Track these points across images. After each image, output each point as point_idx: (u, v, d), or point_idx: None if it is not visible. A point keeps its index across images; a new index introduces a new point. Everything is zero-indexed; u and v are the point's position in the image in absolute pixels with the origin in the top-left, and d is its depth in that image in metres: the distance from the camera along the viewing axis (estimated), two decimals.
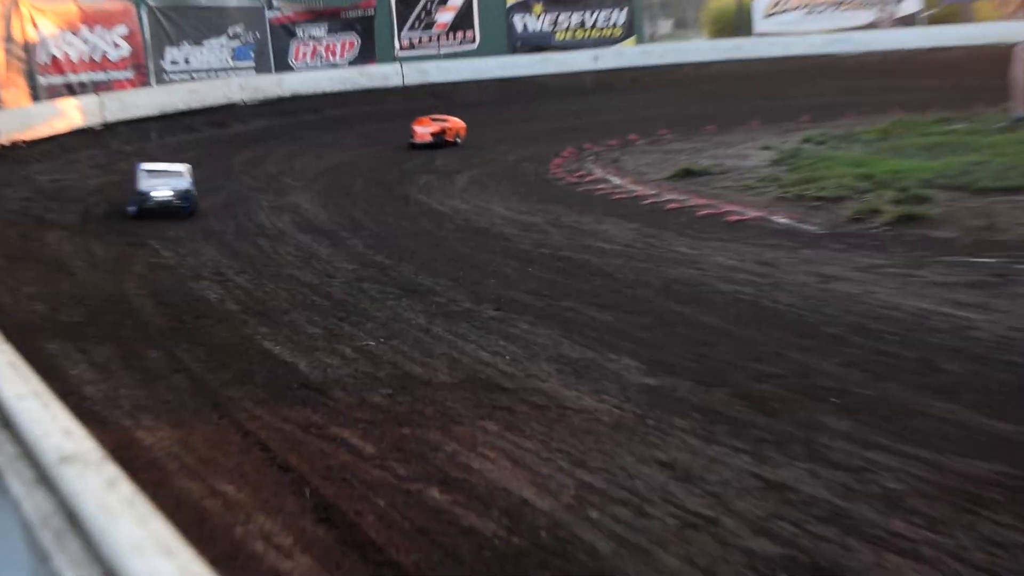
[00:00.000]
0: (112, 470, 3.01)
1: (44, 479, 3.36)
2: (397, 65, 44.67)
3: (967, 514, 6.92)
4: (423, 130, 33.50)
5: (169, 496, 7.58)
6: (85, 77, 37.40)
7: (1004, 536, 6.67)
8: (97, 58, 37.73)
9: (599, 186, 22.14)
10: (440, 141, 32.88)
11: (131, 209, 22.73)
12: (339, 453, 8.61)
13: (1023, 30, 33.35)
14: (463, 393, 10.30)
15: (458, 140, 33.72)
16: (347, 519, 7.33)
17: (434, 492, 7.68)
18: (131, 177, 23.81)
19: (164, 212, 22.51)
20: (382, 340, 12.07)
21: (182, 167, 24.55)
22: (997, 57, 27.77)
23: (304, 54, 43.44)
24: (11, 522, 3.45)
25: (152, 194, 22.84)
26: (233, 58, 41.73)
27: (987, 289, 12.41)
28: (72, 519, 2.98)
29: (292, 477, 8.14)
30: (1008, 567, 6.24)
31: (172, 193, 22.97)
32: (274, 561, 6.65)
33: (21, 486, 3.46)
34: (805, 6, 48.48)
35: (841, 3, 47.55)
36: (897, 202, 16.87)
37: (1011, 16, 45.12)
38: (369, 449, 8.66)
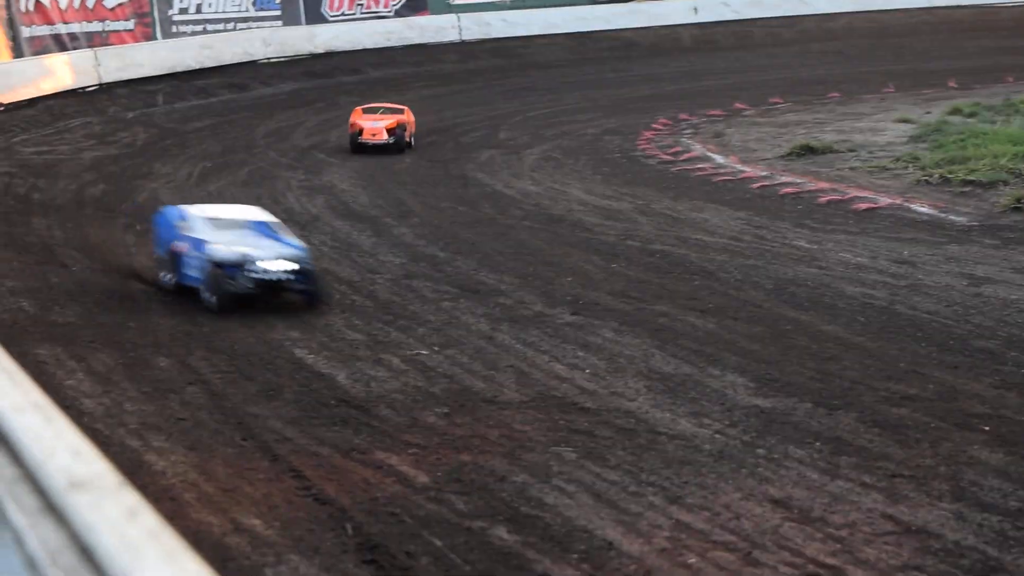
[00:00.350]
0: (132, 498, 3.01)
1: (51, 507, 3.20)
2: (453, 16, 44.11)
3: None
4: (374, 125, 29.36)
5: (186, 531, 7.61)
6: (77, 28, 37.45)
7: None
8: (91, 5, 37.64)
9: (698, 165, 22.08)
10: (399, 141, 28.79)
11: (209, 298, 15.98)
12: (386, 483, 8.60)
13: None
14: (534, 413, 10.15)
15: (411, 141, 29.41)
16: (397, 562, 7.37)
17: (501, 531, 7.70)
18: (167, 230, 18.15)
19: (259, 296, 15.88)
20: (436, 349, 12.09)
21: (261, 213, 18.58)
22: None
23: (341, 3, 42.97)
24: (12, 559, 3.34)
25: (259, 266, 15.92)
26: (255, 7, 41.31)
27: None
28: (87, 555, 2.91)
29: (330, 511, 8.17)
30: None
31: (288, 268, 15.86)
32: None
33: (23, 516, 3.29)
34: None
35: None
36: None
37: None
38: (422, 479, 8.69)
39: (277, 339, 13.07)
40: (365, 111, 31.15)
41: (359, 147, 29.14)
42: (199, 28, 39.83)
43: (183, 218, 17.98)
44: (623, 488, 8.40)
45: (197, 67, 37.40)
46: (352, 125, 30.18)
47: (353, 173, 23.19)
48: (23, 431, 3.74)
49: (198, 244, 16.79)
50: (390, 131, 29.29)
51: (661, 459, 8.89)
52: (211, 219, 18.25)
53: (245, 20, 41.03)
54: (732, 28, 44.49)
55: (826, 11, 46.06)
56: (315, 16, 41.50)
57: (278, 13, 40.61)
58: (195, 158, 25.89)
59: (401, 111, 30.76)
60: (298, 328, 13.41)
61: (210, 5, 40.09)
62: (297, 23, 40.94)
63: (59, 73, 33.67)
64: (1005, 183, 17.87)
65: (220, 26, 40.26)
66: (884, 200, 17.57)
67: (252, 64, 38.66)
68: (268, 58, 39.29)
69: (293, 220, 18.92)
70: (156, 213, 18.46)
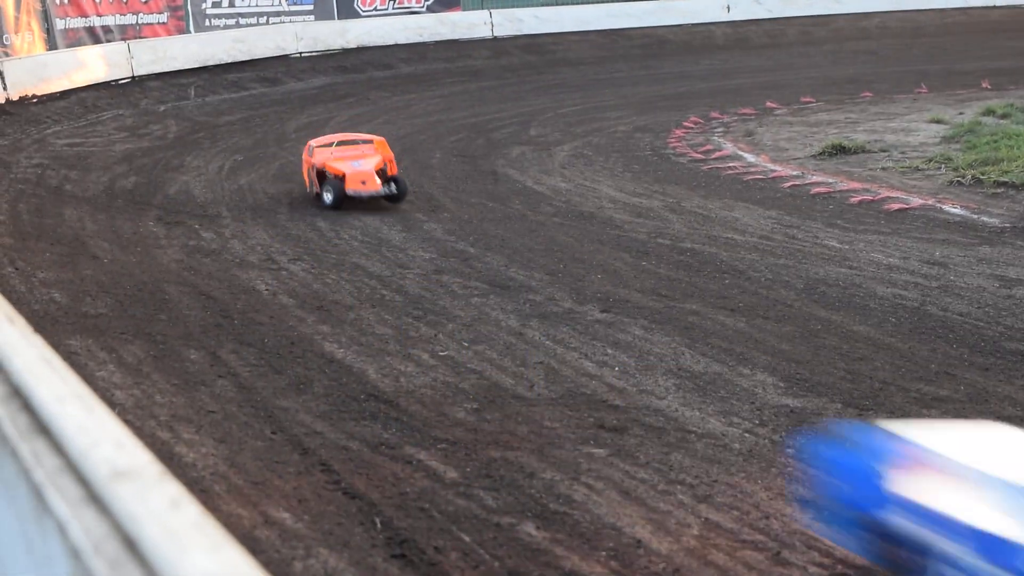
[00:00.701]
0: (175, 488, 3.07)
1: (94, 497, 3.23)
2: (485, 13, 44.53)
3: None
4: (360, 167, 22.37)
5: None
6: (111, 20, 37.77)
7: None
8: (125, 2, 37.90)
9: (729, 164, 22.20)
10: (402, 188, 22.31)
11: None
12: (415, 478, 8.70)
13: None
14: (563, 410, 10.40)
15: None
16: (426, 556, 7.44)
17: (529, 528, 7.78)
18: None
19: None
20: (466, 344, 12.21)
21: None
22: None
23: None
24: (55, 548, 3.32)
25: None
26: (288, 1, 41.75)
27: None
28: (131, 546, 2.96)
29: (360, 505, 8.27)
30: None
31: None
32: None
33: (66, 506, 3.29)
34: None
35: None
36: None
37: None
38: (451, 474, 8.78)
39: (307, 333, 13.17)
40: (333, 146, 23.42)
41: (340, 201, 21.65)
42: (232, 22, 40.25)
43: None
44: (652, 486, 8.48)
45: (229, 61, 37.75)
46: (320, 169, 22.58)
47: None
48: (66, 420, 3.75)
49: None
50: (380, 172, 22.21)
51: (690, 457, 8.93)
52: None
53: (278, 14, 41.51)
54: (764, 27, 44.78)
55: (859, 10, 46.45)
56: (348, 11, 41.95)
57: (311, 7, 41.09)
58: (226, 151, 26.11)
59: (369, 142, 23.57)
60: (328, 322, 13.47)
61: (236, 2, 40.12)
62: (330, 18, 41.32)
63: (92, 65, 33.98)
64: None
65: (253, 20, 40.70)
66: (916, 201, 17.62)
67: (284, 58, 39.08)
68: (300, 52, 39.64)
69: (324, 215, 19.02)
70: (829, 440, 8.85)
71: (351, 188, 21.49)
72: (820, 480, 7.86)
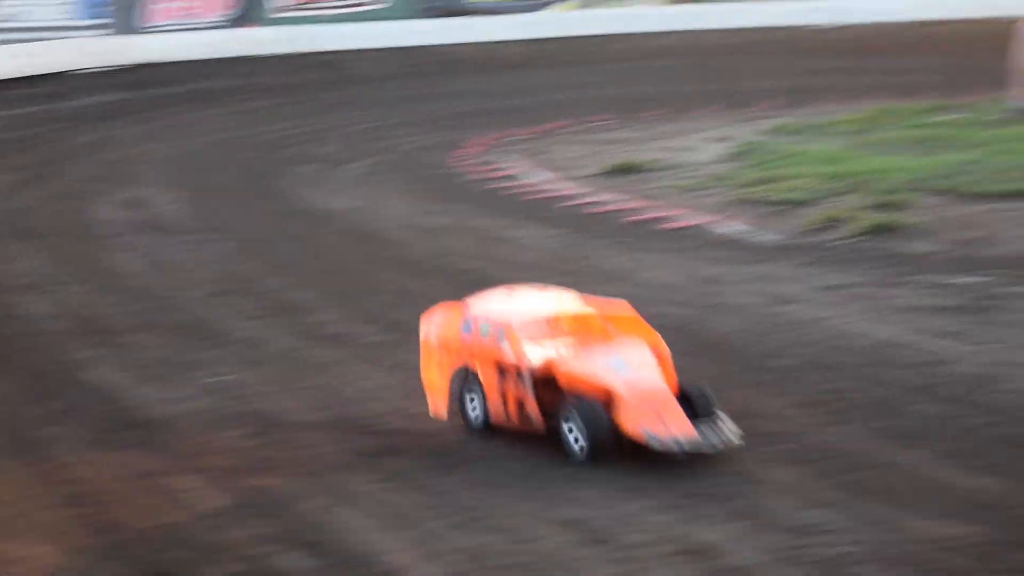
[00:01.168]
0: None
1: None
2: (280, 28, 44.40)
3: None
4: (638, 379, 10.18)
5: None
6: None
7: None
8: None
9: (518, 183, 22.45)
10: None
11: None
12: (180, 507, 8.49)
13: None
14: (338, 434, 10.53)
15: None
16: None
17: (296, 555, 7.66)
18: None
19: None
20: (241, 368, 11.86)
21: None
22: (999, 33, 27.99)
23: (168, 13, 42.69)
24: None
25: None
26: (80, 16, 40.95)
27: (971, 315, 12.47)
28: None
29: (120, 537, 8.01)
30: None
31: None
32: None
33: None
34: None
35: None
36: (875, 208, 17.27)
37: None
38: (218, 502, 8.57)
39: (80, 359, 13.07)
40: (544, 323, 12.24)
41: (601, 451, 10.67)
42: (13, 35, 39.03)
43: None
44: (425, 508, 8.34)
45: (8, 76, 36.70)
46: (539, 376, 11.66)
47: (171, 188, 22.93)
48: None
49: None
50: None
51: (465, 481, 8.81)
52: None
53: (68, 28, 40.42)
54: (562, 44, 44.98)
55: (657, 29, 46.94)
56: (140, 26, 41.04)
57: (103, 22, 40.12)
58: (3, 170, 25.28)
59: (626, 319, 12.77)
60: (103, 346, 13.27)
61: (26, 11, 39.11)
62: (124, 33, 40.50)
63: None
64: (816, 202, 18.27)
65: (36, 33, 39.53)
66: (699, 218, 17.99)
67: (70, 74, 38.09)
68: (89, 68, 38.77)
69: (106, 235, 18.67)
70: None
71: (643, 427, 10.76)
72: None
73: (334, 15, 45.69)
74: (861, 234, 16.17)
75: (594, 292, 14.56)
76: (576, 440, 10.58)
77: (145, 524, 8.66)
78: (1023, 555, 7.40)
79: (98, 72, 39.56)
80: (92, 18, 40.76)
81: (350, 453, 9.96)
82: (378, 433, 10.25)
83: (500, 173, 23.50)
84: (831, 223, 16.80)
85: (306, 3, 45.96)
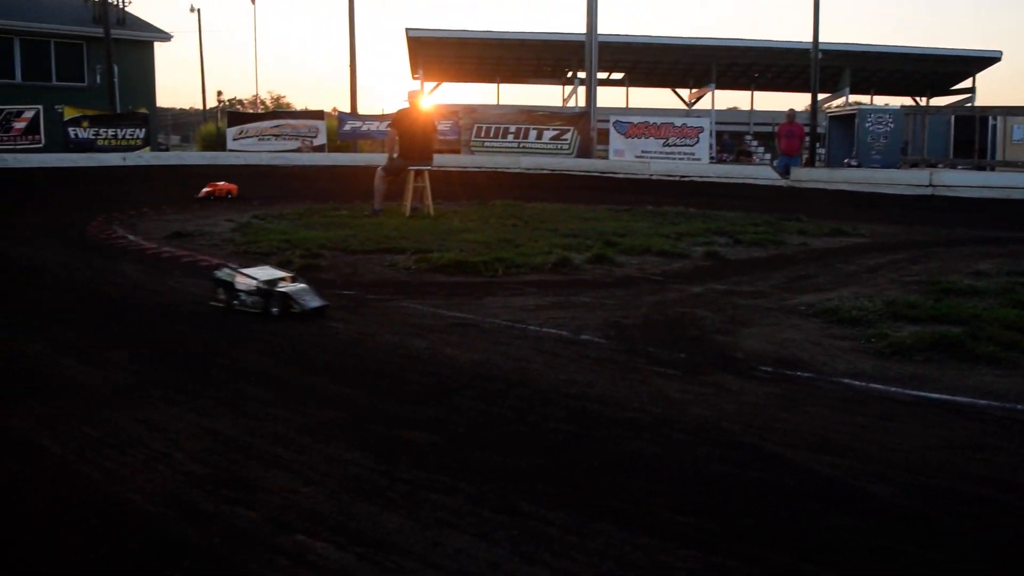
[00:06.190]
0: None
1: None
2: (68, 154, 42.08)
3: (320, 442, 6.98)
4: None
5: None
6: None
7: (339, 454, 6.74)
8: None
9: (119, 241, 22.26)
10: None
11: None
12: None
13: (380, 158, 34.90)
14: (7, 379, 8.90)
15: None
16: None
17: None
18: None
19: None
20: None
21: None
22: (369, 172, 29.02)
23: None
24: None
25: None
26: None
27: (348, 310, 12.70)
28: None
29: None
30: (337, 473, 6.37)
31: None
32: None
33: None
34: (258, 135, 50.58)
35: (279, 136, 50.44)
36: (304, 256, 17.42)
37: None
38: None
39: None
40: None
41: None
42: None
43: None
44: (55, 417, 7.66)
45: None
46: None
47: None
48: None
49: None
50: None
51: (79, 401, 8.19)
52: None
53: None
54: (146, 170, 42.94)
55: (199, 163, 46.55)
56: None
57: None
58: None
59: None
60: None
61: None
62: None
63: None
64: (275, 253, 19.19)
65: None
66: (215, 261, 17.87)
67: None
68: None
69: None
70: None
71: None
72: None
73: (22, 148, 42.77)
74: (298, 269, 16.46)
75: (166, 300, 13.75)
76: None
77: None
78: (369, 425, 7.47)
79: None
80: None
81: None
82: None
83: (112, 236, 22.36)
84: (284, 264, 17.21)
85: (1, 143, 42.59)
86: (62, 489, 6.07)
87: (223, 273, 12.22)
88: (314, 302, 11.54)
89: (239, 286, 11.72)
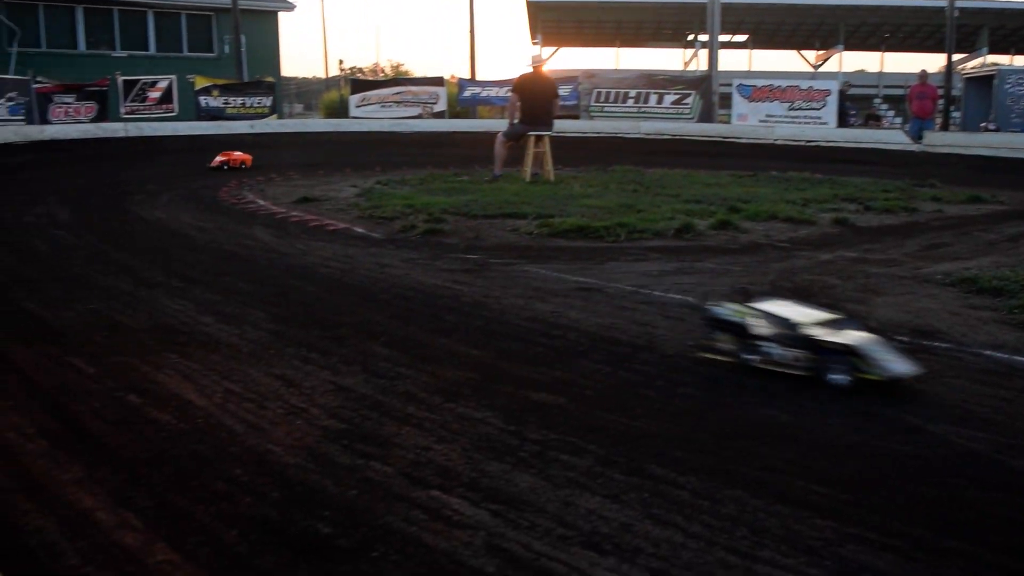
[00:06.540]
0: None
1: None
2: (122, 124, 43.24)
3: (449, 402, 7.15)
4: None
5: None
6: None
7: (468, 413, 6.90)
8: None
9: (249, 206, 22.74)
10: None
11: None
12: (69, 374, 7.99)
13: (499, 124, 35.05)
14: (155, 335, 9.51)
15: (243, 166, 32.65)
16: (72, 416, 6.86)
17: (131, 397, 7.28)
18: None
19: None
20: (103, 301, 11.21)
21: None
22: (488, 138, 29.04)
23: (60, 113, 41.26)
24: None
25: None
26: (9, 113, 39.36)
27: (472, 273, 12.81)
28: None
29: (36, 391, 7.52)
30: (468, 431, 6.49)
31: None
32: (20, 443, 6.14)
33: None
34: (380, 102, 51.42)
35: (400, 103, 51.17)
36: (428, 221, 17.55)
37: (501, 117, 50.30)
38: (90, 370, 8.09)
39: (13, 298, 11.61)
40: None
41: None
42: None
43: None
44: (199, 372, 8.06)
45: None
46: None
47: (65, 206, 21.58)
48: None
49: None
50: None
51: (221, 356, 8.55)
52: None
53: (3, 120, 38.74)
54: (272, 137, 44.53)
55: (320, 130, 48.07)
56: (44, 120, 39.58)
57: (23, 118, 38.72)
58: None
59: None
60: (27, 291, 12.05)
61: None
62: (34, 123, 38.80)
63: None
64: (398, 218, 20.25)
65: None
66: (341, 225, 18.42)
67: (6, 146, 35.54)
68: (16, 142, 36.56)
69: (29, 229, 17.33)
70: None
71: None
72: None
73: (157, 117, 44.90)
74: (422, 233, 16.68)
75: (290, 260, 14.28)
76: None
77: (51, 381, 7.94)
78: (497, 386, 7.58)
79: (21, 144, 36.76)
80: (16, 114, 38.64)
81: (163, 344, 9.34)
82: (177, 334, 9.63)
83: (242, 201, 22.97)
84: (408, 229, 17.42)
85: (137, 111, 44.76)
86: (207, 440, 6.36)
87: (725, 310, 7.80)
88: (899, 365, 6.86)
89: (758, 329, 7.27)
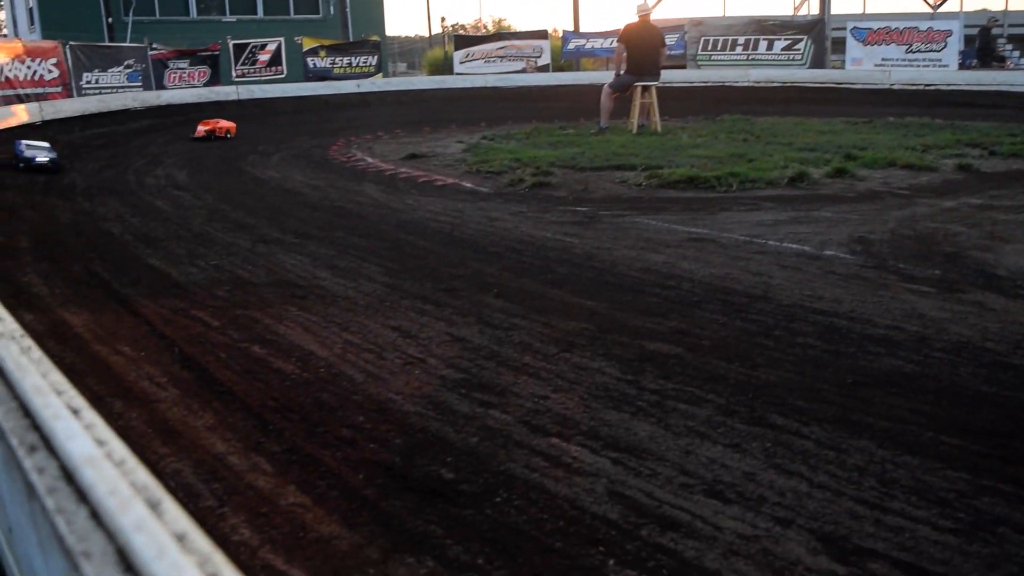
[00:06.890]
0: (28, 342, 2.87)
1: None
2: (234, 87, 44.17)
3: (565, 352, 7.16)
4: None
5: (88, 355, 7.23)
6: (31, 91, 35.74)
7: (584, 363, 6.91)
8: (36, 78, 36.00)
9: (359, 163, 22.81)
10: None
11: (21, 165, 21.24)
12: (196, 326, 8.27)
13: (604, 76, 34.52)
14: (275, 289, 9.74)
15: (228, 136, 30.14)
16: (201, 366, 7.11)
17: (256, 348, 7.51)
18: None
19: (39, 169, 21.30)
20: (224, 257, 11.55)
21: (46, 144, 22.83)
22: (593, 90, 28.60)
23: (174, 78, 42.43)
24: None
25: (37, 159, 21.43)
26: (127, 80, 40.67)
27: (582, 225, 12.73)
28: None
29: (166, 342, 7.82)
30: (585, 381, 6.50)
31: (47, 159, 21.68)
32: (155, 391, 6.41)
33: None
34: (483, 58, 51.10)
35: (504, 58, 50.69)
36: (535, 174, 17.59)
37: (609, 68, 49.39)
38: (215, 323, 8.36)
39: (138, 254, 12.21)
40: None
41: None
42: (98, 91, 38.52)
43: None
44: (318, 324, 8.26)
45: (96, 112, 35.84)
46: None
47: (181, 167, 22.22)
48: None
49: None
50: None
51: (338, 309, 8.73)
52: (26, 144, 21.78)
53: (123, 87, 39.90)
54: (377, 95, 44.84)
55: (424, 88, 47.91)
56: (160, 85, 40.87)
57: (140, 84, 39.94)
58: (93, 159, 24.37)
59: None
60: (150, 248, 12.54)
61: (103, 79, 39.20)
62: (151, 89, 39.93)
63: (19, 115, 31.59)
64: (506, 172, 20.36)
65: (110, 90, 39.15)
66: (450, 180, 18.67)
67: (126, 110, 36.63)
68: (135, 107, 37.55)
69: (149, 191, 17.97)
70: None
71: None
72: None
73: (266, 79, 45.80)
74: (530, 187, 16.63)
75: (401, 216, 14.46)
76: None
77: (179, 334, 8.27)
78: (612, 336, 7.56)
79: (142, 109, 38.00)
80: (134, 81, 40.00)
81: (282, 297, 9.59)
82: (305, 287, 9.91)
83: (351, 159, 23.20)
84: (515, 182, 17.30)
85: (247, 74, 45.74)
86: (330, 389, 6.53)
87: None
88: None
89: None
